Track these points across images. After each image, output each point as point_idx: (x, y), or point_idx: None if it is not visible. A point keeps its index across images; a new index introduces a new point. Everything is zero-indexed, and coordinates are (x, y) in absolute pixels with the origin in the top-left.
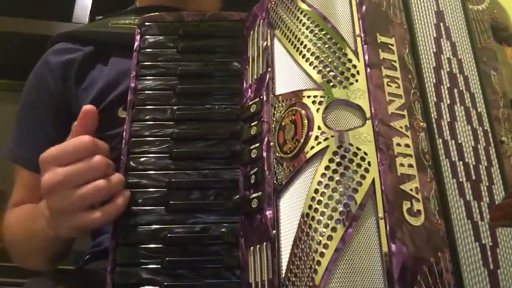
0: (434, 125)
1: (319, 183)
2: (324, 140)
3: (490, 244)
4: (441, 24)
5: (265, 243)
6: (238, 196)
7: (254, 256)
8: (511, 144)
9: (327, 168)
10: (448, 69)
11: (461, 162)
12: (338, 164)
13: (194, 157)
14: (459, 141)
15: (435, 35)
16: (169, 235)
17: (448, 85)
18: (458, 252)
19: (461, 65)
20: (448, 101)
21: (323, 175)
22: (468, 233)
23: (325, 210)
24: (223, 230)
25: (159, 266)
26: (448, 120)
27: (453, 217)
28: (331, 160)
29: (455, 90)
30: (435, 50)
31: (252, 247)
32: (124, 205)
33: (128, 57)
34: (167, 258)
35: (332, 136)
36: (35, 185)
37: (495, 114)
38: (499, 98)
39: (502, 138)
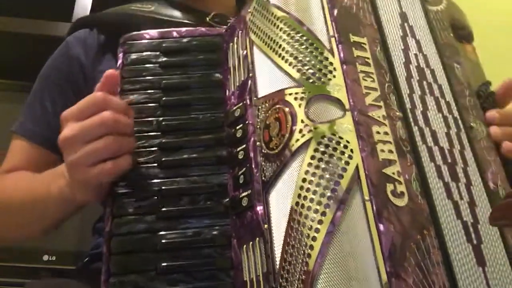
0: (409, 114)
1: (306, 172)
2: (308, 132)
3: (471, 221)
4: (405, 24)
5: (257, 238)
6: (227, 200)
7: (248, 253)
8: (480, 129)
9: (312, 157)
10: (416, 64)
11: (436, 147)
12: (323, 153)
13: (182, 164)
14: (433, 128)
15: (401, 34)
16: (162, 241)
17: (418, 78)
18: (442, 230)
19: (427, 59)
20: (419, 92)
21: (309, 164)
22: (450, 212)
23: (313, 197)
24: (214, 233)
25: (154, 272)
26: (421, 109)
27: (435, 198)
28: (316, 150)
29: (424, 82)
30: (403, 47)
31: (245, 245)
32: (134, 162)
33: None
34: (161, 264)
35: (315, 128)
36: (37, 158)
37: (463, 103)
38: (464, 88)
39: (472, 124)
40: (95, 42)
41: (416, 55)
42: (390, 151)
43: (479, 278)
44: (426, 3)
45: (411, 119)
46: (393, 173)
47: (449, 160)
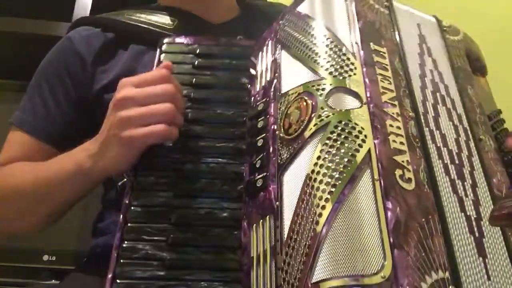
0: (422, 117)
1: (321, 151)
2: (326, 117)
3: (475, 216)
4: (424, 44)
5: (268, 216)
6: (242, 186)
7: (257, 231)
8: (488, 143)
9: (328, 138)
10: (431, 78)
11: (445, 148)
12: (338, 135)
13: (203, 151)
14: (443, 132)
15: (419, 51)
16: (175, 215)
17: (432, 89)
18: (446, 218)
19: (441, 76)
20: (432, 101)
21: (325, 144)
22: (454, 205)
23: (326, 171)
24: (225, 214)
25: (164, 243)
26: (433, 115)
27: (440, 189)
28: (332, 132)
29: (438, 94)
30: (419, 62)
31: (254, 224)
32: (176, 134)
33: (145, 50)
34: (172, 236)
35: (333, 114)
36: (35, 151)
37: (473, 118)
38: (476, 106)
39: (481, 137)
40: (99, 41)
41: (431, 71)
42: (402, 143)
43: (479, 266)
44: (444, 32)
45: (422, 121)
46: (403, 161)
47: (457, 162)
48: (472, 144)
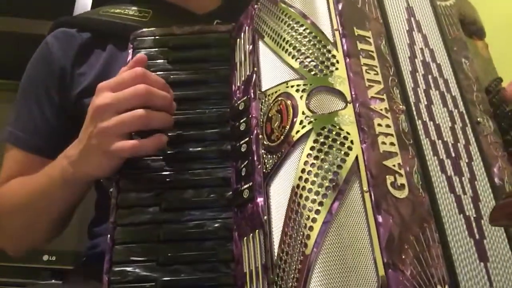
0: (413, 108)
1: (305, 163)
2: (308, 123)
3: (474, 216)
4: (412, 18)
5: (257, 230)
6: (230, 193)
7: (248, 245)
8: (487, 124)
9: (312, 148)
10: (421, 58)
11: (440, 141)
12: (322, 144)
13: (187, 158)
14: (437, 122)
15: (407, 28)
16: (164, 232)
17: (423, 72)
18: (443, 223)
19: (433, 54)
20: (424, 87)
21: (309, 155)
22: (452, 206)
23: (312, 187)
24: (216, 225)
25: (155, 262)
26: (426, 103)
27: (436, 191)
28: (315, 141)
29: (430, 77)
30: (408, 42)
31: (245, 237)
32: (159, 144)
33: (123, 47)
34: (163, 255)
35: (315, 119)
36: (29, 165)
37: (470, 98)
38: (472, 83)
39: (478, 119)
40: (75, 43)
41: (422, 49)
42: (392, 144)
43: (480, 273)
44: None
45: (414, 113)
46: (394, 165)
47: (453, 155)
48: (469, 130)
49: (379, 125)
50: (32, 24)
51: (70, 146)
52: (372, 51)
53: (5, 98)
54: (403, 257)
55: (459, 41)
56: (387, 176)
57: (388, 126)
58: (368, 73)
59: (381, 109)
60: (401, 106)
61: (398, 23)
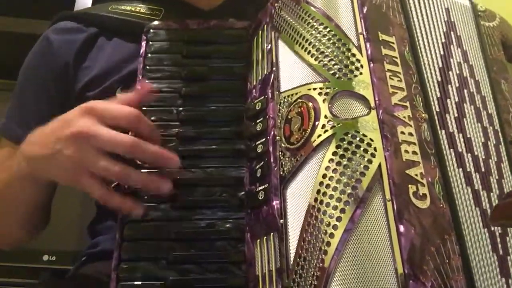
0: (436, 117)
1: (327, 168)
2: (331, 128)
3: (500, 231)
4: (452, 33)
5: (272, 233)
6: (243, 193)
7: (261, 248)
8: None
9: (334, 154)
10: (457, 72)
11: (469, 154)
12: (345, 149)
13: (199, 156)
14: (468, 136)
15: (443, 41)
16: (175, 230)
17: (457, 85)
18: (464, 236)
19: (472, 70)
20: (457, 99)
21: (331, 160)
22: (476, 219)
23: (333, 193)
24: (228, 226)
25: (165, 261)
26: (455, 115)
27: (458, 203)
28: (338, 147)
29: (465, 91)
30: (442, 53)
31: (258, 240)
32: (127, 207)
33: (130, 42)
34: (173, 253)
35: (338, 124)
36: None
37: (505, 118)
38: (509, 104)
39: None
40: (80, 37)
41: (460, 63)
42: (414, 153)
43: None
44: (479, 17)
45: (437, 122)
46: (416, 175)
47: (483, 169)
48: (502, 149)
49: (402, 133)
50: (32, 24)
51: (27, 139)
52: (396, 57)
53: (5, 98)
54: (424, 268)
55: (499, 62)
56: (409, 186)
57: (410, 134)
58: (392, 79)
59: (404, 117)
60: (423, 115)
61: (430, 33)
